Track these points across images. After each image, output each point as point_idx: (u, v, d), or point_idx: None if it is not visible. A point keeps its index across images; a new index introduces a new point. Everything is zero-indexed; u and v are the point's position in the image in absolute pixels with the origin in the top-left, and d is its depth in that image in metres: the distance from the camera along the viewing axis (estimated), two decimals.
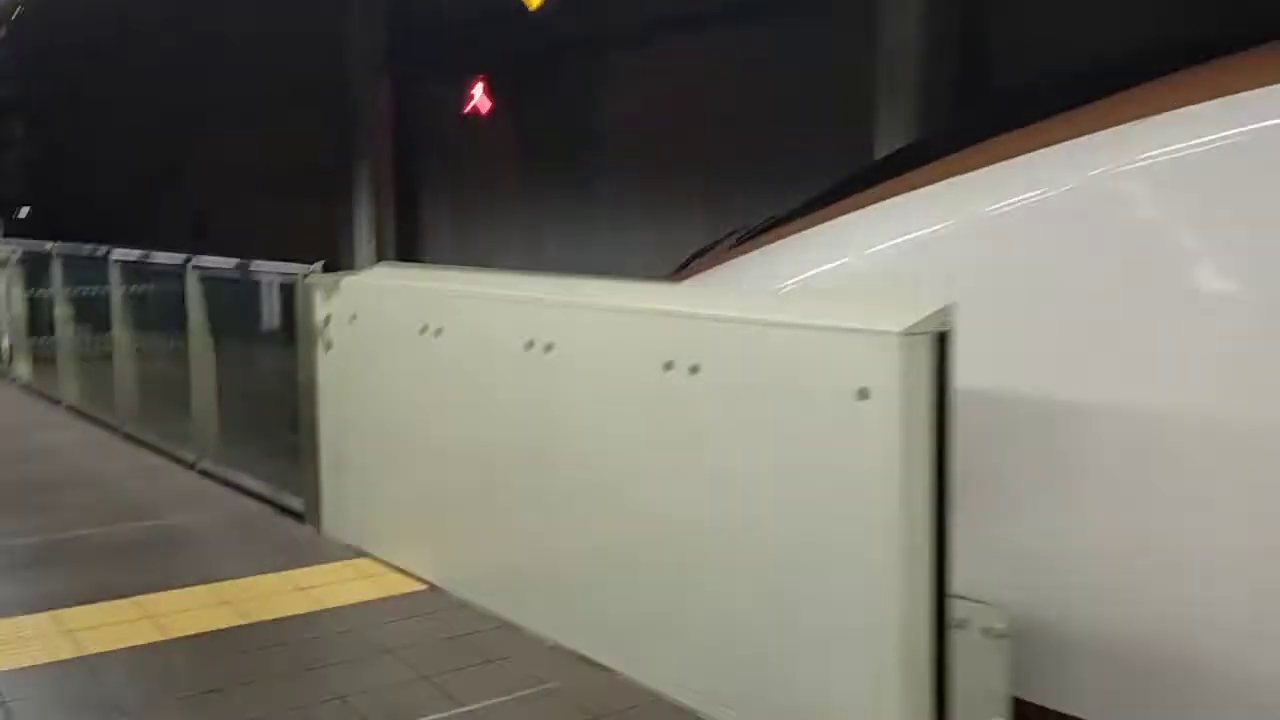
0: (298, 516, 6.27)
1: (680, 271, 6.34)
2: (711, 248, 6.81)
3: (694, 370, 3.69)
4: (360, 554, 5.52)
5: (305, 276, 6.00)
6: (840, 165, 7.98)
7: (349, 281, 5.70)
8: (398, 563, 5.24)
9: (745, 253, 5.52)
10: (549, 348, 4.27)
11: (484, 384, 4.62)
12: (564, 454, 4.23)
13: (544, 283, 4.80)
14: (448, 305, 4.91)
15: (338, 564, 5.43)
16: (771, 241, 5.43)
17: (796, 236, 5.14)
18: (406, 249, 21.50)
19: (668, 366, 3.78)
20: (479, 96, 18.76)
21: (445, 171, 21.24)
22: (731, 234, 6.51)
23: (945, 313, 3.24)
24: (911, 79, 11.96)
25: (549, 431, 4.29)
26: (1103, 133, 4.29)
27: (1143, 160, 4.11)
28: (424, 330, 4.98)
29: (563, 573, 4.27)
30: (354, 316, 5.53)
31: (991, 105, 10.94)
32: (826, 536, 3.34)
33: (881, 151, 11.60)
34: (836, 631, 3.33)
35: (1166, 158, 4.07)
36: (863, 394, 3.26)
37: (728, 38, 15.06)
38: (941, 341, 3.21)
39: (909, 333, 3.16)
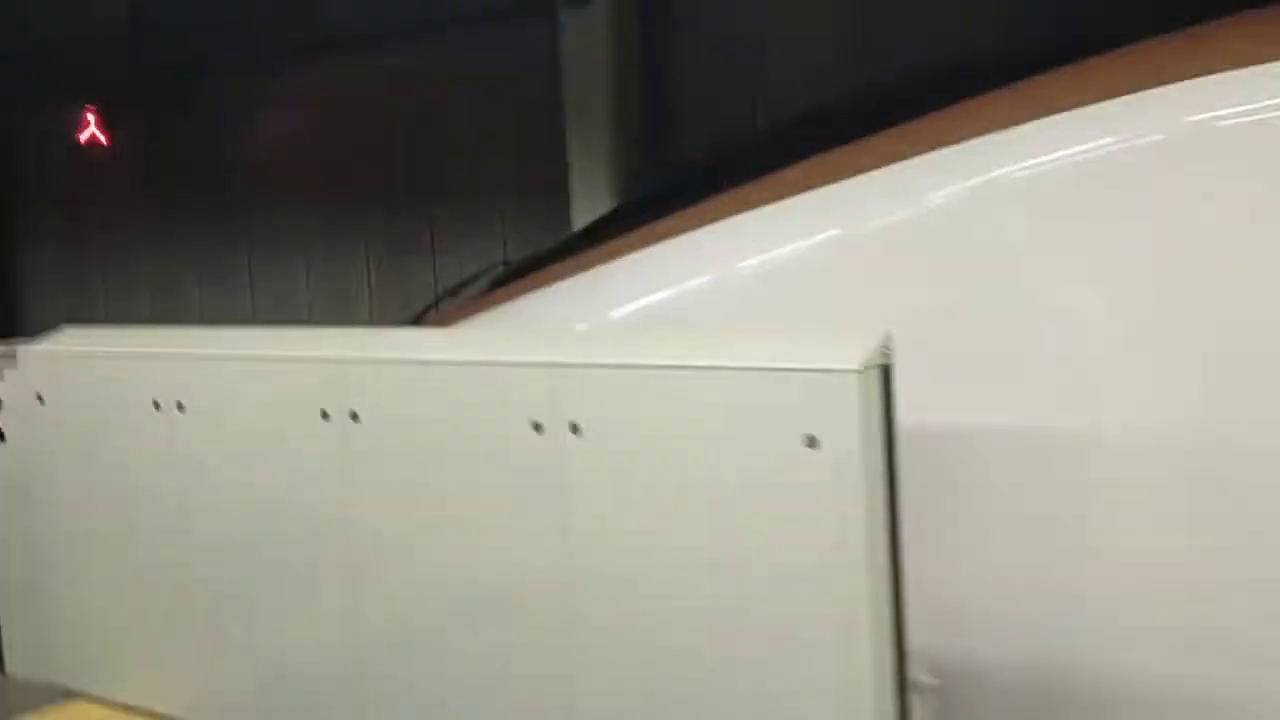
0: None
1: (428, 315, 5.63)
2: (458, 290, 6.17)
3: (575, 429, 3.03)
4: (73, 694, 4.39)
5: None
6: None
7: (30, 352, 4.48)
8: (134, 699, 4.15)
9: (532, 288, 4.91)
10: (355, 417, 3.43)
11: (260, 469, 3.68)
12: (394, 559, 3.48)
13: (339, 337, 3.93)
14: (206, 372, 3.90)
15: (50, 710, 4.31)
16: (560, 277, 4.86)
17: (600, 269, 4.61)
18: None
19: (537, 428, 3.09)
20: (93, 126, 16.50)
21: (55, 214, 18.62)
22: (483, 274, 5.88)
23: (887, 343, 2.82)
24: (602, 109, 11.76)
25: (362, 530, 3.52)
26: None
27: None
28: (158, 407, 3.94)
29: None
30: (40, 398, 4.33)
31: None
32: (778, 616, 2.87)
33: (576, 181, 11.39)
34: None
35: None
36: (811, 442, 2.75)
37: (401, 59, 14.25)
38: (887, 377, 2.78)
39: (865, 368, 2.70)
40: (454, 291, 6.53)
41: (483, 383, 3.45)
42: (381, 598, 3.64)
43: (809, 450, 2.81)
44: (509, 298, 5.24)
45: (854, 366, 2.76)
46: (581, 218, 11.61)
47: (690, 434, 3.02)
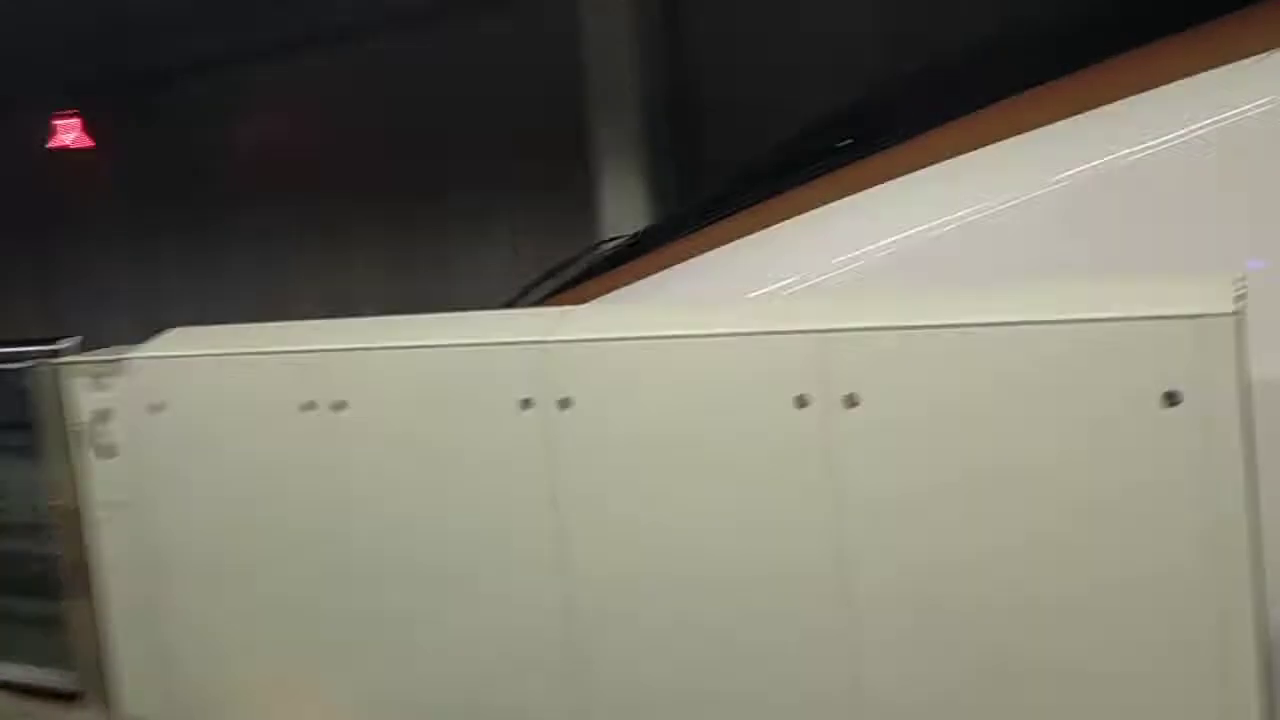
0: (68, 698, 4.45)
1: (553, 296, 5.26)
2: (559, 270, 5.80)
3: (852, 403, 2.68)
4: None
5: (56, 357, 4.25)
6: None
7: (143, 361, 4.02)
8: None
9: (678, 260, 4.50)
10: (565, 404, 3.11)
11: (447, 468, 3.34)
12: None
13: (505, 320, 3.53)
14: (366, 365, 3.47)
15: None
16: (702, 249, 4.46)
17: (758, 237, 4.22)
18: None
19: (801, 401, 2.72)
20: (68, 128, 15.74)
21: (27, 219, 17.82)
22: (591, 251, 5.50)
23: (1240, 285, 2.48)
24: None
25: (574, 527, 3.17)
26: None
27: None
28: (311, 407, 3.50)
29: None
30: (159, 406, 3.87)
31: None
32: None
33: None
34: None
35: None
36: (1171, 399, 2.39)
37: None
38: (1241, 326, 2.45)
39: (1233, 314, 2.35)
40: (550, 275, 6.08)
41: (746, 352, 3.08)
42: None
43: (1168, 410, 2.45)
44: (638, 275, 4.81)
45: (1227, 309, 2.40)
46: (612, 212, 11.11)
47: (1013, 398, 2.65)
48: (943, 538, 2.74)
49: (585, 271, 5.70)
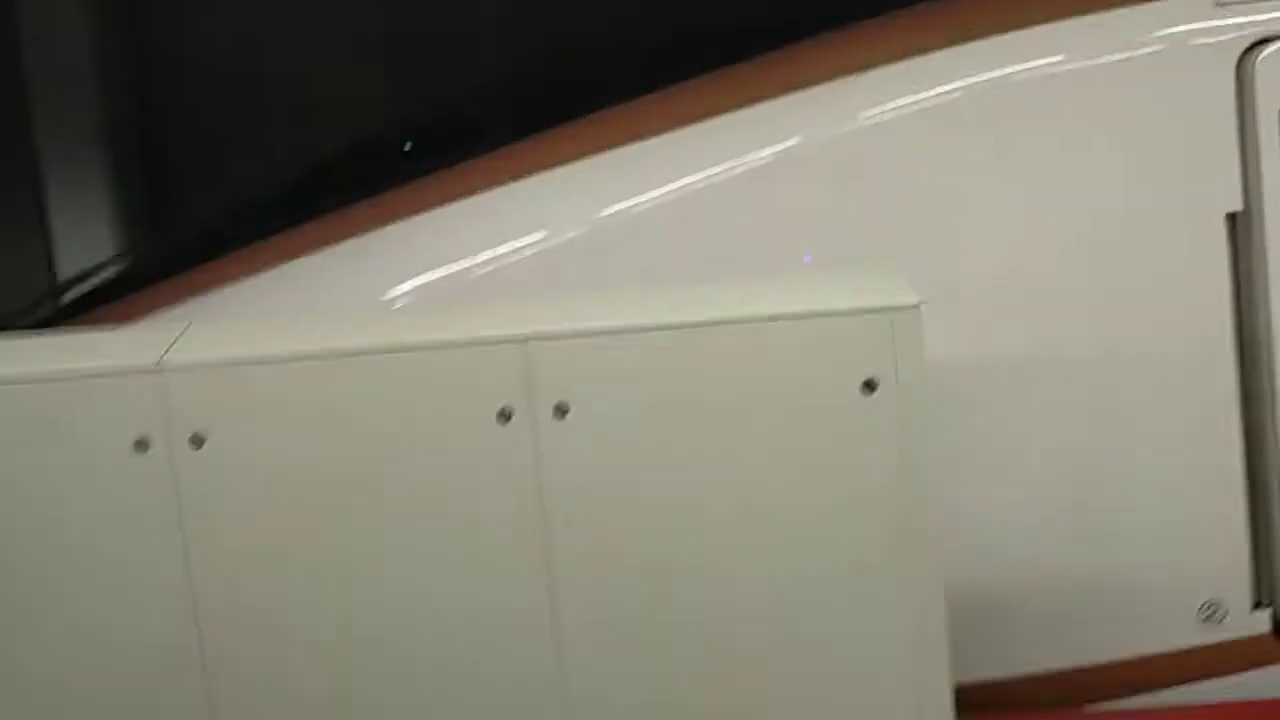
0: None
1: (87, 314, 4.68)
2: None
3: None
4: None
5: None
6: None
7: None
8: None
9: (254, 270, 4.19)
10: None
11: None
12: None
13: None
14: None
15: None
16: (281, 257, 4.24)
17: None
18: None
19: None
20: None
21: None
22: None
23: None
24: None
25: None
26: None
27: None
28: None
29: None
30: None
31: None
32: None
33: None
34: None
35: None
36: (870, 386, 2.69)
37: None
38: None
39: (919, 305, 2.70)
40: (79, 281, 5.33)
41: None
42: None
43: (867, 396, 2.70)
44: (200, 286, 4.32)
45: (914, 301, 2.70)
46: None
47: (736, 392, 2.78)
48: (659, 540, 2.76)
49: (118, 282, 5.10)
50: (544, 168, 4.35)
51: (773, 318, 2.88)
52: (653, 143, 4.32)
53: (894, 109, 4.07)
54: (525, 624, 2.92)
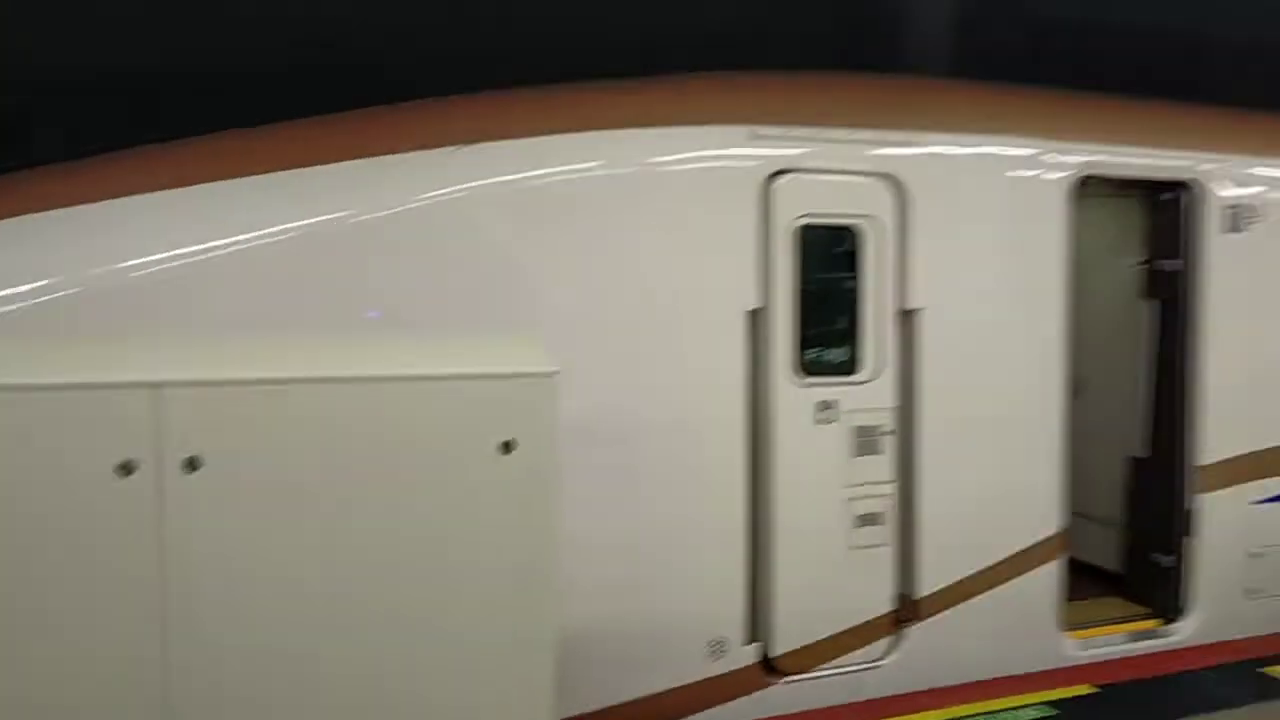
0: None
1: None
2: None
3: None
4: None
5: None
6: None
7: None
8: None
9: None
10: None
11: None
12: None
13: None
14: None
15: None
16: None
17: None
18: None
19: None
20: None
21: None
22: None
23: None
24: None
25: None
26: None
27: None
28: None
29: None
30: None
31: None
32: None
33: None
34: None
35: None
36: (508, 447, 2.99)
37: None
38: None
39: (554, 373, 3.04)
40: None
41: None
42: None
43: (504, 456, 2.94)
44: None
45: (550, 369, 2.98)
46: None
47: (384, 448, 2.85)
48: (289, 602, 2.75)
49: None
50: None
51: (418, 378, 2.95)
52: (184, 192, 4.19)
53: (471, 188, 4.37)
54: (139, 696, 2.66)
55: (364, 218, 4.24)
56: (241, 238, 4.11)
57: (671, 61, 5.04)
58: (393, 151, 4.44)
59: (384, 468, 2.87)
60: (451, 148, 4.41)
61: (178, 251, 4.00)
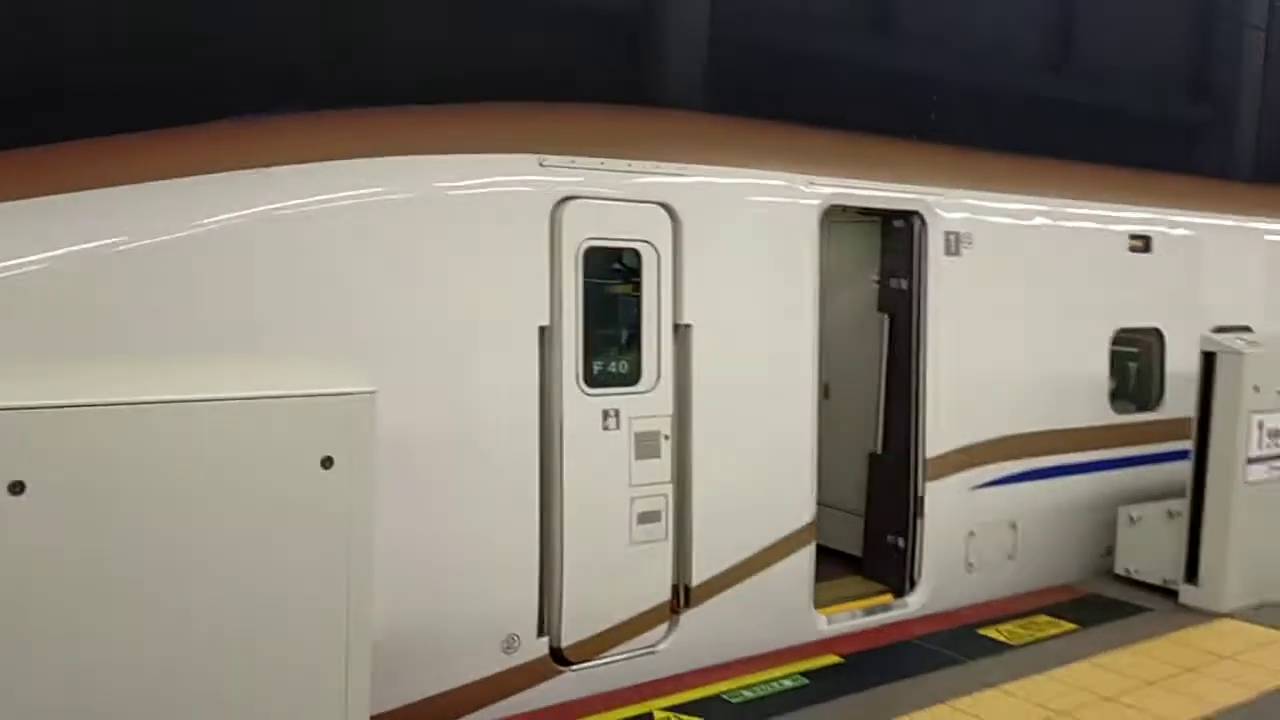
0: None
1: None
2: None
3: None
4: None
5: None
6: None
7: None
8: None
9: None
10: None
11: None
12: None
13: None
14: None
15: None
16: None
17: None
18: None
19: None
20: None
21: None
22: None
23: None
24: None
25: None
26: None
27: None
28: None
29: None
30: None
31: None
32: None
33: None
34: None
35: None
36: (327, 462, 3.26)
37: None
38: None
39: (373, 392, 3.32)
40: None
41: None
42: None
43: (325, 471, 3.19)
44: None
45: (370, 388, 3.25)
46: None
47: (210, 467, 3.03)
48: (117, 614, 2.90)
49: None
50: None
51: (245, 398, 3.11)
52: None
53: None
54: None
55: (151, 241, 4.30)
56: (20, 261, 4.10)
57: (465, 93, 5.33)
58: (188, 174, 4.50)
59: (210, 486, 3.03)
60: (254, 170, 4.52)
61: None
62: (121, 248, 4.17)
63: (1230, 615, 6.76)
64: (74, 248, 4.05)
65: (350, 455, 3.26)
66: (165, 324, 4.20)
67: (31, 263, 3.99)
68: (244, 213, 4.40)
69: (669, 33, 10.42)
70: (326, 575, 3.29)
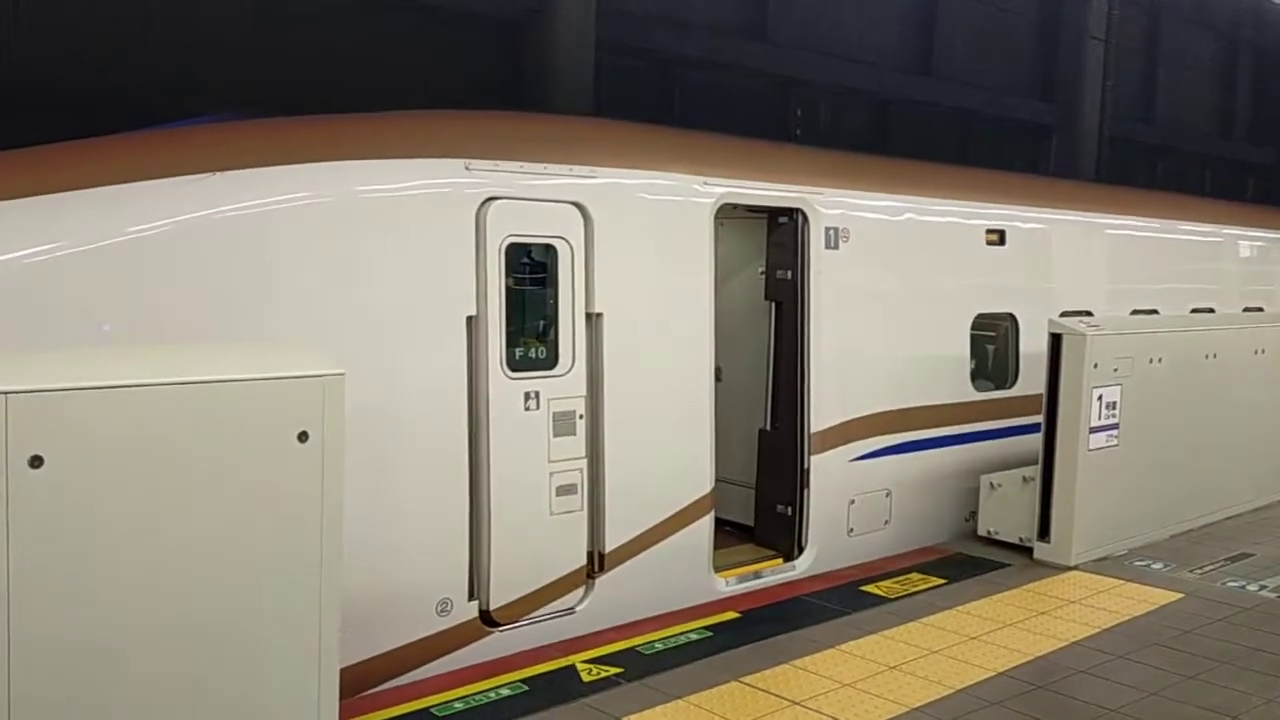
0: None
1: None
2: None
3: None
4: None
5: None
6: None
7: None
8: None
9: None
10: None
11: None
12: None
13: None
14: None
15: None
16: None
17: None
18: None
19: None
20: None
21: None
22: None
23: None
24: None
25: None
26: None
27: None
28: None
29: None
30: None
31: None
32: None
33: None
34: None
35: None
36: (303, 437, 3.67)
37: None
38: None
39: (343, 373, 3.73)
40: None
41: None
42: None
43: (301, 445, 3.60)
44: None
45: (340, 370, 3.66)
46: None
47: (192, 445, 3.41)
48: (122, 573, 3.27)
49: None
50: None
51: (232, 380, 3.47)
52: None
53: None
54: None
55: (115, 240, 4.63)
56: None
57: (388, 100, 5.70)
58: (143, 177, 4.79)
59: (203, 457, 3.40)
60: (203, 174, 4.83)
61: None
62: (75, 249, 4.47)
63: (1076, 568, 7.62)
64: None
65: (323, 429, 3.65)
66: (142, 316, 4.58)
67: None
68: (216, 211, 4.77)
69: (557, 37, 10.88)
70: (303, 537, 3.68)
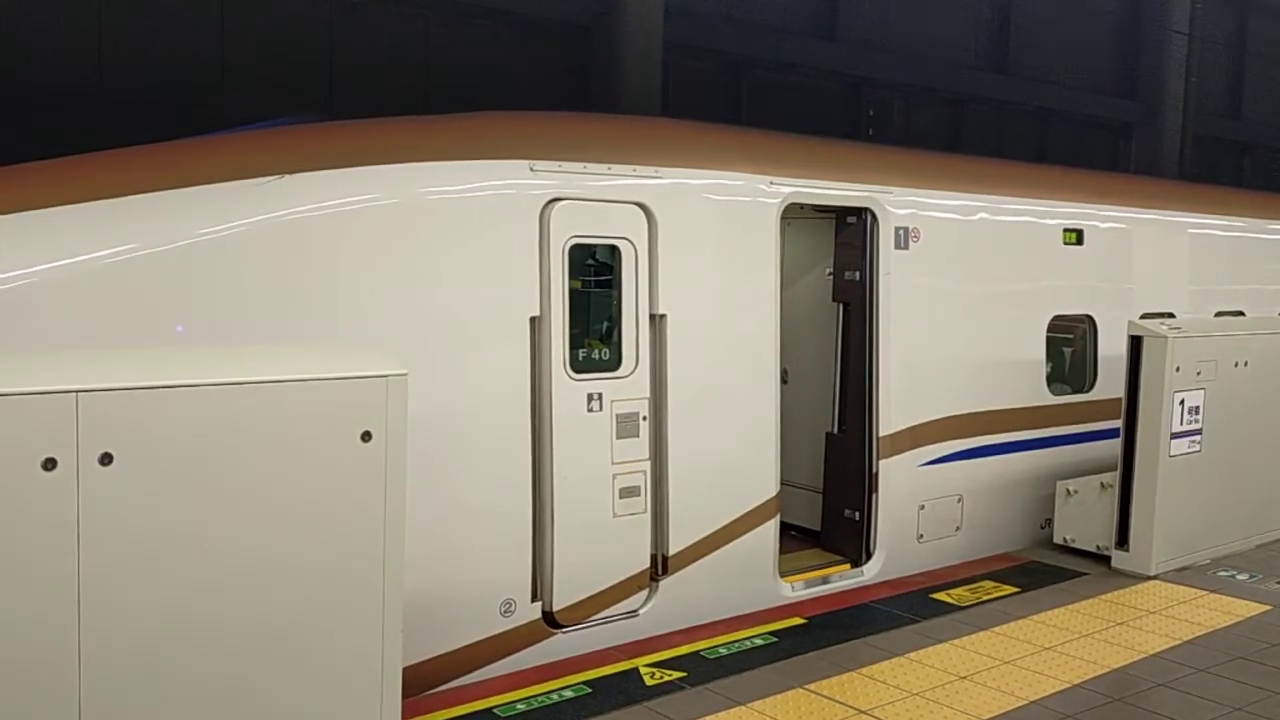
0: None
1: None
2: None
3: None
4: None
5: None
6: None
7: None
8: None
9: None
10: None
11: None
12: None
13: None
14: None
15: None
16: None
17: None
18: None
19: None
20: None
21: None
22: None
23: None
24: None
25: None
26: None
27: None
28: None
29: None
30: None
31: None
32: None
33: None
34: None
35: None
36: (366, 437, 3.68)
37: None
38: None
39: (406, 374, 3.74)
40: None
41: None
42: None
43: (364, 444, 3.61)
44: None
45: (403, 371, 3.67)
46: None
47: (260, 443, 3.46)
48: (190, 572, 3.31)
49: None
50: None
51: (296, 380, 3.51)
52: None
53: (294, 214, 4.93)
54: (52, 659, 3.10)
55: (187, 242, 4.70)
56: (67, 262, 4.49)
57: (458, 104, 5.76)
58: (215, 180, 4.88)
59: (270, 456, 3.44)
60: (271, 177, 4.91)
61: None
62: (149, 251, 4.58)
63: (1156, 577, 7.39)
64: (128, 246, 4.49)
65: (385, 430, 3.68)
66: (212, 317, 4.67)
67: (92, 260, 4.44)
68: (289, 213, 4.86)
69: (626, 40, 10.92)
70: (365, 537, 3.71)
